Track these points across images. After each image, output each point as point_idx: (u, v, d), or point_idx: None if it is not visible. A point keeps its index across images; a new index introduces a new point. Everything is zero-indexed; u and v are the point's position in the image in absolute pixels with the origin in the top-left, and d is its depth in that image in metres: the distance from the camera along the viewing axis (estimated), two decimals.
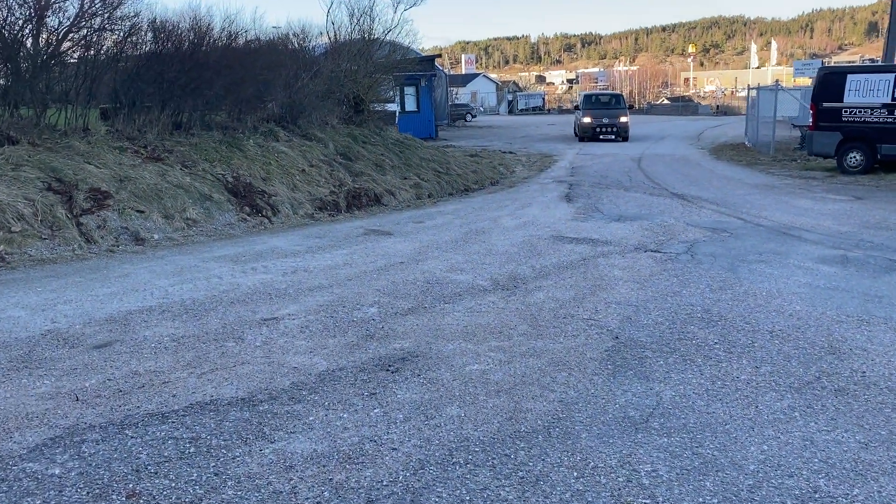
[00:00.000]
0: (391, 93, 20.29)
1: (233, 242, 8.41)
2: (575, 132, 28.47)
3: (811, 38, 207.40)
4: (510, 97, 72.37)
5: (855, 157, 15.13)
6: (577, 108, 28.84)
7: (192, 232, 8.75)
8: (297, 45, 14.13)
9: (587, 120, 26.31)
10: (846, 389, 3.87)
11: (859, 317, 5.20)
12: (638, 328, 4.99)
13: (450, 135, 31.68)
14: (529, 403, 3.74)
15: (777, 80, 28.55)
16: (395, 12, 20.39)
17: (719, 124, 37.40)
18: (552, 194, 13.02)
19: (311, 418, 3.58)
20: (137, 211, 8.42)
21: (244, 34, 12.20)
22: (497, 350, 4.58)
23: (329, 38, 15.63)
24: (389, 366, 4.32)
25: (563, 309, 5.50)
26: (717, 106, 62.21)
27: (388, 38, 16.38)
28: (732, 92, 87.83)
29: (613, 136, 25.95)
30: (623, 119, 26.30)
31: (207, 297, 5.85)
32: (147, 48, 10.96)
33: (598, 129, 26.02)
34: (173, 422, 3.54)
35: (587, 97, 29.40)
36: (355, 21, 15.52)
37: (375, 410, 3.67)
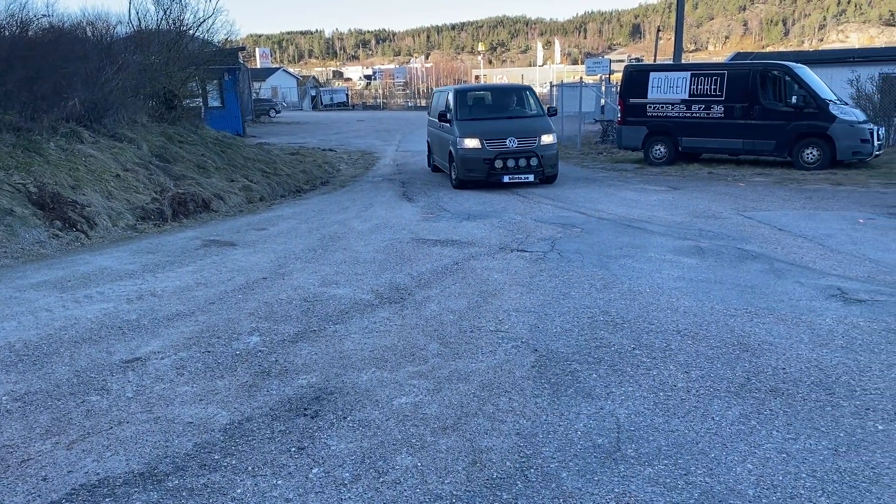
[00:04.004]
0: (197, 88, 18.79)
1: (48, 264, 7.11)
2: (431, 164, 16.02)
3: (585, 38, 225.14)
4: (314, 92, 70.85)
5: (659, 149, 16.27)
6: (443, 117, 13.15)
7: None
8: (99, 35, 12.46)
9: (472, 145, 12.46)
10: (780, 389, 3.87)
11: (746, 309, 5.35)
12: (551, 337, 4.75)
13: (258, 131, 30.19)
14: (486, 440, 3.33)
15: (580, 79, 30.19)
16: (208, 1, 18.81)
17: None
18: (389, 193, 12.64)
19: (238, 491, 2.91)
20: None
21: (38, 21, 10.47)
22: (418, 377, 4.11)
23: (133, 28, 14.01)
24: (305, 409, 3.70)
25: (464, 321, 5.13)
26: None
27: (201, 28, 15.05)
28: None
29: (531, 176, 12.65)
30: (547, 139, 12.79)
31: (42, 337, 4.78)
32: None
33: (501, 166, 12.48)
34: None
35: (461, 95, 13.64)
36: (162, 10, 14.04)
37: (314, 470, 3.07)
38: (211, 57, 15.86)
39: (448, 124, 13.18)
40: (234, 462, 3.14)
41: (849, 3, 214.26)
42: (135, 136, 11.64)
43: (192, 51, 14.91)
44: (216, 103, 27.03)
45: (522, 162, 12.69)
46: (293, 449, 3.27)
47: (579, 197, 11.69)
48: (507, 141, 12.64)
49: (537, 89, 31.37)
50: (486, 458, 3.16)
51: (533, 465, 3.10)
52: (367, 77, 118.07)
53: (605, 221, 9.32)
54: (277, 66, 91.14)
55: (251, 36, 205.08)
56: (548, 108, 14.56)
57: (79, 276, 6.59)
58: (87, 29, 12.87)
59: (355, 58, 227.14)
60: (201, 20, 15.08)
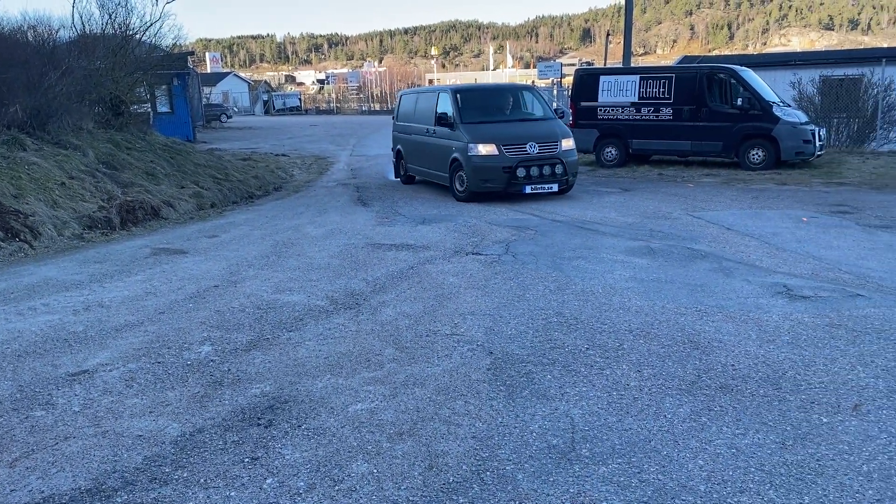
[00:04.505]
0: (145, 93, 18.41)
1: None
2: (402, 174, 14.20)
3: (536, 42, 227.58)
4: (265, 97, 70.05)
5: (611, 151, 16.51)
6: (442, 121, 11.74)
7: None
8: (41, 40, 12.11)
9: (488, 151, 11.03)
10: (729, 386, 3.95)
11: (695, 308, 5.46)
12: (506, 340, 4.78)
13: (209, 137, 29.73)
14: (442, 445, 3.32)
15: (532, 82, 30.44)
16: (155, 5, 18.47)
17: None
18: (344, 198, 12.57)
19: None
20: None
21: None
22: (374, 382, 4.09)
23: (77, 33, 13.64)
24: (258, 418, 3.65)
25: (420, 325, 5.13)
26: None
27: (148, 33, 14.73)
28: None
29: (554, 186, 11.36)
30: (567, 143, 11.52)
31: None
32: None
33: (524, 175, 11.09)
34: None
35: (465, 95, 12.13)
36: (107, 14, 13.70)
37: (268, 481, 3.03)
38: (159, 62, 15.55)
39: (449, 129, 11.64)
40: (185, 475, 3.08)
41: (790, 8, 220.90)
42: (80, 142, 11.35)
43: (139, 55, 14.61)
44: (165, 109, 26.53)
45: (547, 170, 11.26)
46: (246, 459, 3.22)
47: (533, 199, 11.78)
48: (528, 146, 11.16)
49: None
50: (443, 463, 3.16)
51: (489, 467, 3.11)
52: (320, 81, 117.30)
53: (558, 223, 9.40)
54: (228, 70, 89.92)
55: (201, 40, 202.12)
56: (555, 110, 13.10)
57: (22, 287, 6.39)
58: (29, 33, 12.52)
59: (308, 62, 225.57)
60: (148, 24, 14.79)
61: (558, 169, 11.34)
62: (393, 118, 14.92)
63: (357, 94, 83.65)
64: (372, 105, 74.49)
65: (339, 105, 73.52)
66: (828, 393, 3.82)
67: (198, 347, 4.75)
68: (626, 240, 8.20)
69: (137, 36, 14.49)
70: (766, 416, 3.57)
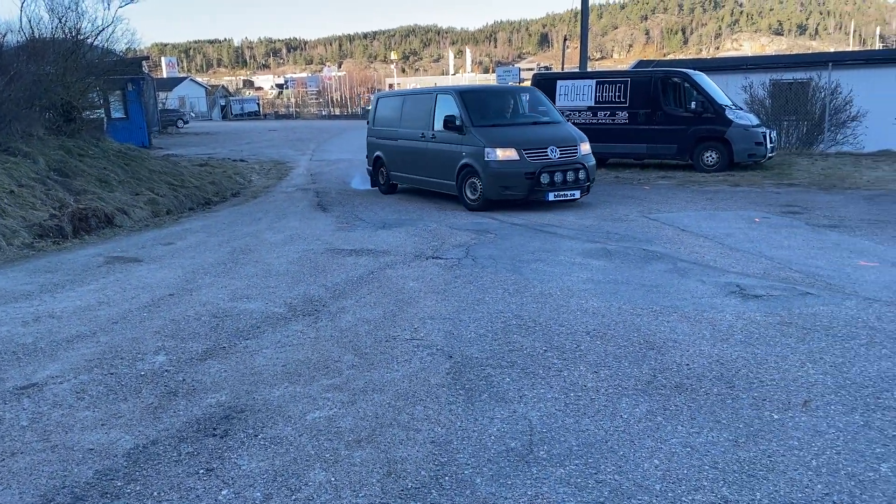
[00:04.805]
0: (98, 99, 18.05)
1: None
2: (381, 182, 13.49)
3: (495, 47, 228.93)
4: (223, 102, 69.21)
5: None
6: (449, 125, 11.00)
7: None
8: None
9: (507, 156, 10.45)
10: (684, 385, 4.02)
11: (651, 308, 5.54)
12: (466, 343, 4.79)
13: (165, 143, 29.25)
14: (401, 451, 3.31)
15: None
16: (107, 9, 18.07)
17: None
18: (303, 203, 12.47)
19: None
20: None
21: None
22: (333, 389, 4.06)
23: (26, 37, 13.30)
24: (214, 429, 3.59)
25: (379, 331, 5.11)
26: None
27: (100, 37, 14.42)
28: None
29: (577, 192, 10.84)
30: (585, 147, 11.10)
31: None
32: None
33: (548, 181, 10.51)
34: None
35: (472, 96, 11.61)
36: (57, 18, 13.38)
37: (224, 492, 2.99)
38: (112, 67, 15.25)
39: (456, 133, 10.98)
40: (138, 488, 3.02)
41: (741, 13, 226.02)
42: (30, 149, 11.06)
43: (91, 60, 14.30)
44: (120, 114, 26.08)
45: (570, 175, 10.68)
46: (201, 471, 3.16)
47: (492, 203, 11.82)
48: (549, 151, 10.58)
49: None
50: (401, 469, 3.15)
51: (447, 472, 3.11)
52: (279, 86, 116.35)
53: (517, 226, 9.46)
54: (185, 75, 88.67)
55: (156, 45, 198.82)
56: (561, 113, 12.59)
57: None
58: None
59: (266, 67, 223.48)
60: (100, 29, 14.47)
61: (581, 174, 10.79)
62: (367, 123, 14.06)
63: (317, 98, 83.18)
64: (332, 109, 74.14)
65: (298, 110, 73.00)
66: (779, 390, 3.90)
67: (152, 357, 4.66)
68: (583, 242, 8.29)
69: (89, 40, 14.18)
70: (719, 414, 3.64)
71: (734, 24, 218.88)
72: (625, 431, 3.46)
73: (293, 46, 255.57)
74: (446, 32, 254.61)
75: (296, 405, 3.86)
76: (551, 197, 10.58)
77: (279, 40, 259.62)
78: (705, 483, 2.97)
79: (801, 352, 4.48)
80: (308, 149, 25.99)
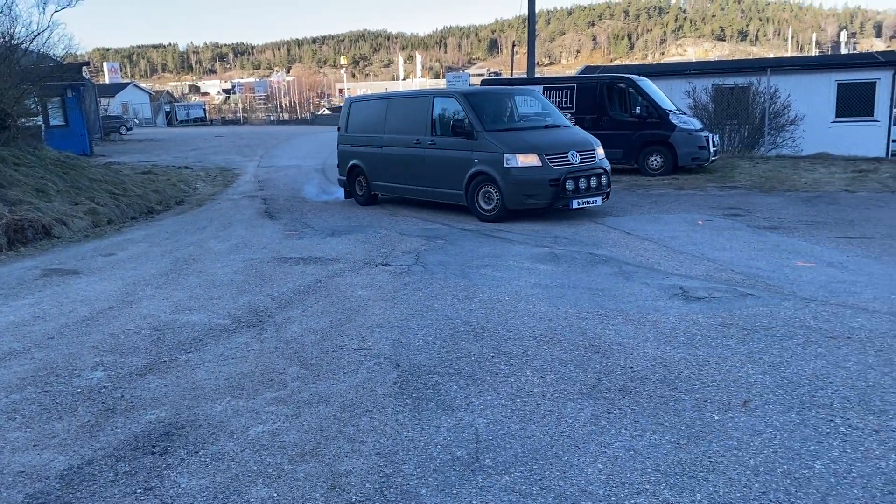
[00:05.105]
0: (34, 106, 17.50)
1: None
2: (361, 193, 12.63)
3: (445, 52, 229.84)
4: (168, 108, 67.82)
5: None
6: (457, 130, 10.36)
7: None
8: None
9: (529, 163, 9.89)
10: (628, 388, 4.06)
11: (596, 312, 5.60)
12: (414, 352, 4.76)
13: (108, 150, 28.51)
14: (345, 464, 3.27)
15: None
16: (43, 13, 17.52)
17: None
18: (250, 211, 12.29)
19: None
20: None
21: None
22: (277, 403, 3.99)
23: None
24: (153, 446, 3.49)
25: (326, 341, 5.05)
26: None
27: (36, 42, 13.96)
28: None
29: (598, 199, 10.35)
30: (601, 151, 10.71)
31: None
32: None
33: (573, 188, 9.97)
34: None
35: (476, 98, 10.94)
36: None
37: None
38: (49, 72, 14.79)
39: (464, 138, 10.33)
40: None
41: (685, 19, 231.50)
42: None
43: (26, 66, 13.84)
44: (59, 122, 25.34)
45: (593, 181, 10.20)
46: (139, 490, 3.07)
47: (444, 208, 11.82)
48: (570, 156, 10.11)
49: None
50: (346, 482, 3.10)
51: (392, 484, 3.08)
52: (226, 91, 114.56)
53: (467, 232, 9.48)
54: (128, 81, 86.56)
55: (98, 50, 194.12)
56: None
57: None
58: None
59: (213, 72, 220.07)
60: (35, 33, 14.03)
61: (603, 180, 10.36)
62: (339, 130, 13.21)
63: (265, 103, 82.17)
64: (281, 115, 73.32)
65: (246, 115, 72.01)
66: (720, 391, 3.98)
67: (89, 374, 4.52)
68: (532, 247, 8.34)
69: (24, 45, 13.73)
70: (662, 416, 3.68)
71: (678, 31, 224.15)
72: (570, 436, 3.48)
73: (240, 51, 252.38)
74: (396, 37, 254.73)
75: (238, 420, 3.78)
76: (575, 205, 10.06)
77: (226, 45, 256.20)
78: (647, 486, 3.00)
79: (742, 352, 4.58)
80: (256, 155, 25.64)
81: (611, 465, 3.19)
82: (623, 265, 7.17)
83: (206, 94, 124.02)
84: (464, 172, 10.42)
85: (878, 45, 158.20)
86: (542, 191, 9.88)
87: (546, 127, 10.96)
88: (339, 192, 13.54)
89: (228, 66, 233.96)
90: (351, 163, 12.66)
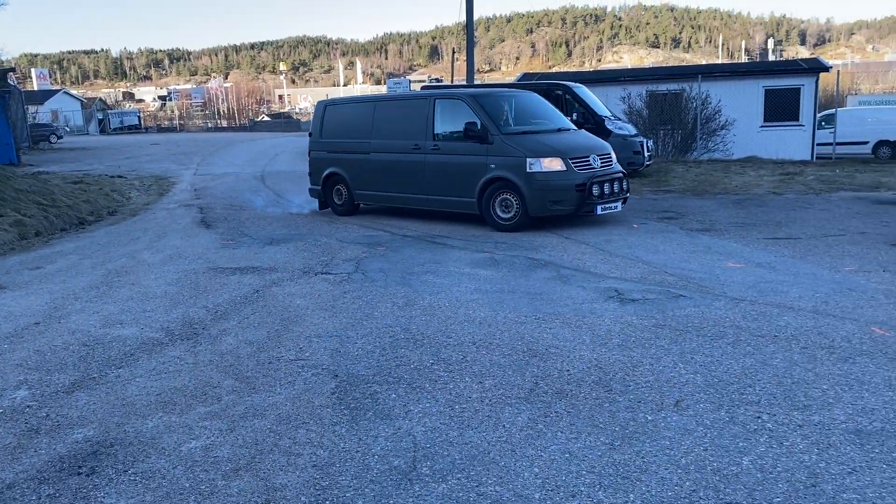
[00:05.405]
0: None
1: None
2: (339, 202, 11.92)
3: (386, 58, 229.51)
4: (101, 115, 65.86)
5: None
6: (470, 134, 9.79)
7: None
8: None
9: (555, 167, 9.46)
10: (565, 391, 4.12)
11: (535, 316, 5.66)
12: (352, 361, 4.72)
13: (36, 159, 27.49)
14: (281, 477, 3.21)
15: None
16: None
17: None
18: (185, 220, 12.01)
19: None
20: None
21: None
22: (211, 417, 3.90)
23: None
24: (79, 467, 3.37)
25: (262, 352, 4.96)
26: None
27: None
28: None
29: (618, 205, 10.09)
30: (614, 157, 10.55)
31: None
32: None
33: (599, 193, 9.65)
34: None
35: (487, 100, 10.31)
36: None
37: None
38: None
39: (477, 142, 9.78)
40: None
41: (621, 27, 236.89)
42: None
43: None
44: None
45: (616, 186, 9.90)
46: None
47: (383, 215, 11.80)
48: (591, 160, 9.79)
49: None
50: (281, 496, 3.05)
51: (329, 496, 3.04)
52: (162, 98, 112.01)
53: (408, 238, 9.47)
54: (58, 87, 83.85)
55: (25, 55, 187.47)
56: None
57: None
58: None
59: (147, 78, 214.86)
60: None
61: (625, 185, 10.15)
62: (310, 135, 12.33)
63: (203, 110, 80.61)
64: (219, 122, 72.04)
65: (182, 122, 70.50)
66: (653, 391, 4.06)
67: (12, 393, 4.34)
68: (472, 252, 8.38)
69: None
70: (597, 418, 3.74)
71: (614, 38, 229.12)
72: (507, 441, 3.50)
73: (176, 57, 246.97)
74: (336, 43, 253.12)
75: (170, 436, 3.68)
76: (599, 210, 9.69)
77: (161, 51, 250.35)
78: (583, 488, 3.04)
79: (674, 353, 4.69)
80: (192, 163, 25.08)
81: (546, 468, 3.22)
82: (561, 269, 7.27)
83: (140, 101, 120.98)
84: (477, 179, 9.85)
85: (803, 52, 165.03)
86: (568, 196, 9.46)
87: (559, 130, 10.53)
88: (288, 204, 13.40)
89: (164, 72, 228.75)
90: (328, 171, 11.84)
